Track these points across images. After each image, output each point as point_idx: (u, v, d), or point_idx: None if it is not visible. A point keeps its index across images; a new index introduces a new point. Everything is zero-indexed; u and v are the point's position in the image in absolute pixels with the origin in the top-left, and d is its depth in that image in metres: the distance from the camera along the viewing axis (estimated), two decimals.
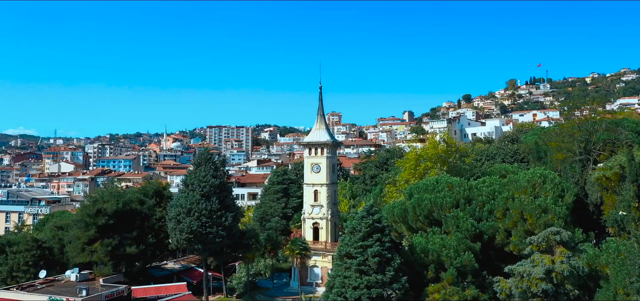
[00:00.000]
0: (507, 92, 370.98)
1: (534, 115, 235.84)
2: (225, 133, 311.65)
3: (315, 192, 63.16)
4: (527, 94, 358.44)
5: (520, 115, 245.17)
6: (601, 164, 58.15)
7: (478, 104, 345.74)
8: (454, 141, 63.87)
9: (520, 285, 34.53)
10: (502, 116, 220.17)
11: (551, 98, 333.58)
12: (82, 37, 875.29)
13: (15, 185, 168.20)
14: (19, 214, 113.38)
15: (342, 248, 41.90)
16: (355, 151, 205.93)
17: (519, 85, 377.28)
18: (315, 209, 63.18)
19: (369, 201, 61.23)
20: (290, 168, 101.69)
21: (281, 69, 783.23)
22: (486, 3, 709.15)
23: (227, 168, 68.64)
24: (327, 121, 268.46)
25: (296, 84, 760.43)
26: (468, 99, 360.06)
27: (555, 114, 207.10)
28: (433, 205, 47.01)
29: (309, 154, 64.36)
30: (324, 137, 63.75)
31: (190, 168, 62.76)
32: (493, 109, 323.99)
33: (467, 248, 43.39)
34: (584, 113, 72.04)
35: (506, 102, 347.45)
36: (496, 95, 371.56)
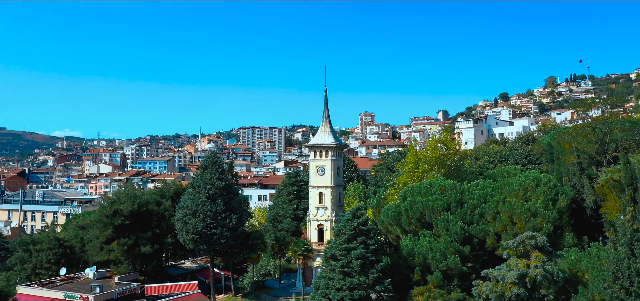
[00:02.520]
0: (545, 90, 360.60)
1: (572, 113, 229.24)
2: (258, 134, 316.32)
3: (320, 194, 64.18)
4: (567, 92, 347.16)
5: (557, 113, 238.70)
6: (610, 167, 56.88)
7: (515, 102, 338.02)
8: (452, 144, 63.57)
9: (495, 289, 34.59)
10: (531, 116, 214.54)
11: (592, 96, 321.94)
12: (126, 37, 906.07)
13: (57, 185, 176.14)
14: (54, 214, 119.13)
15: (328, 250, 42.90)
16: (383, 152, 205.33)
17: (558, 82, 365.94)
18: (320, 211, 64.20)
19: (372, 202, 61.87)
20: (302, 169, 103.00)
21: (317, 69, 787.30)
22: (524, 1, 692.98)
23: (235, 169, 70.69)
24: (360, 121, 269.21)
25: (334, 85, 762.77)
26: (505, 97, 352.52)
27: (596, 113, 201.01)
28: (425, 208, 47.25)
29: (314, 156, 65.47)
30: (329, 140, 64.71)
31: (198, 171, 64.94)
32: (531, 108, 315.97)
33: (456, 251, 43.54)
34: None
35: (545, 101, 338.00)
36: (534, 93, 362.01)
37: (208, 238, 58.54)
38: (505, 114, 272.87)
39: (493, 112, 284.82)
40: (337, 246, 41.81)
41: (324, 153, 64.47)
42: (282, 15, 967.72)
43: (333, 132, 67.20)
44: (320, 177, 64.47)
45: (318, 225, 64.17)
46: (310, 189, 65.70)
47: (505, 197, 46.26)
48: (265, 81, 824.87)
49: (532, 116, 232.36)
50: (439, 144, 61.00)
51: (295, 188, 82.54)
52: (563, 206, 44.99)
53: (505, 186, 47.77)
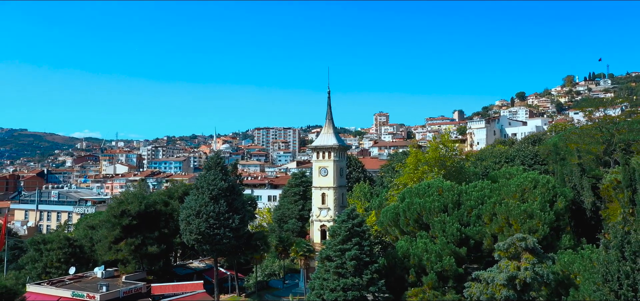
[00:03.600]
0: (564, 89, 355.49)
1: (589, 113, 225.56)
2: (272, 135, 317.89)
3: (323, 195, 64.54)
4: (586, 91, 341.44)
5: (575, 113, 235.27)
6: (615, 168, 56.22)
7: (532, 102, 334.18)
8: (452, 145, 63.38)
9: (485, 290, 34.61)
10: (544, 116, 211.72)
11: (612, 95, 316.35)
12: (146, 36, 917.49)
13: (72, 186, 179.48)
14: (68, 213, 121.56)
15: (323, 251, 43.27)
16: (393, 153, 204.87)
17: (577, 81, 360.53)
18: (322, 212, 64.56)
19: (374, 204, 62.07)
20: (309, 171, 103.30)
21: (333, 69, 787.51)
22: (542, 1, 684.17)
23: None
24: (375, 121, 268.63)
25: (348, 85, 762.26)
26: (522, 97, 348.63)
27: (616, 112, 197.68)
28: (422, 209, 47.36)
29: (317, 158, 65.82)
30: (332, 141, 64.99)
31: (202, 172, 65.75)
32: (548, 107, 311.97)
33: (452, 253, 43.58)
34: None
35: (563, 100, 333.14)
36: (552, 92, 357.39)
37: (211, 239, 59.21)
38: (522, 113, 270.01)
39: (510, 111, 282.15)
40: (331, 247, 42.18)
41: (326, 154, 64.81)
42: (299, 16, 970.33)
43: (336, 133, 67.51)
44: (323, 178, 64.84)
45: (321, 226, 64.55)
46: (313, 190, 66.14)
47: (503, 199, 46.15)
48: (282, 81, 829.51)
49: (546, 115, 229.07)
50: (440, 145, 60.87)
51: (301, 189, 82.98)
52: (561, 208, 44.70)
53: (502, 187, 47.65)
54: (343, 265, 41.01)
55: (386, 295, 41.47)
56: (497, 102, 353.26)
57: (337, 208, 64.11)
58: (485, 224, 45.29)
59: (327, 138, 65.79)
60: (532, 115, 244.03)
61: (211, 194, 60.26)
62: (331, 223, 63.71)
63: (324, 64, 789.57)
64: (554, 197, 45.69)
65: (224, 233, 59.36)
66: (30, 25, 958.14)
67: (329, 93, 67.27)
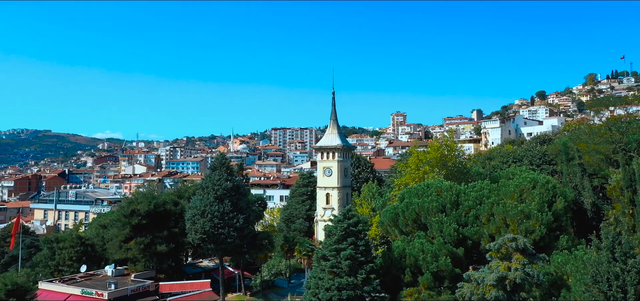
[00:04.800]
0: (585, 87, 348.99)
1: (611, 111, 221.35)
2: (289, 135, 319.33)
3: (327, 195, 65.02)
4: (608, 89, 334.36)
5: (595, 112, 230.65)
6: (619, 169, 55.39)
7: (553, 100, 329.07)
8: (454, 144, 63.12)
9: (476, 291, 34.58)
10: (560, 115, 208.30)
11: (635, 93, 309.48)
12: (166, 35, 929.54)
13: (90, 186, 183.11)
14: (85, 213, 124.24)
15: (318, 251, 43.68)
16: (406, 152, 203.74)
17: (599, 79, 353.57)
18: (327, 212, 65.03)
19: (378, 204, 62.19)
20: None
21: (351, 69, 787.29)
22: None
23: (245, 171, 72.16)
24: (392, 121, 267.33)
25: (366, 84, 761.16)
26: (542, 96, 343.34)
27: (632, 110, 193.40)
28: (420, 209, 47.38)
29: (321, 158, 66.32)
30: (335, 141, 65.42)
31: (207, 172, 66.70)
32: (569, 106, 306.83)
33: (449, 253, 43.57)
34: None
35: (584, 98, 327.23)
36: (573, 91, 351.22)
37: (215, 238, 60.19)
38: (542, 112, 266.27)
39: (529, 110, 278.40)
40: (327, 246, 42.55)
41: (330, 154, 65.31)
42: (318, 16, 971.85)
43: (340, 133, 67.96)
44: (327, 178, 65.32)
45: (325, 226, 64.81)
46: (317, 190, 66.70)
47: (501, 199, 45.94)
48: (302, 81, 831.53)
49: (562, 115, 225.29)
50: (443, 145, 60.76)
51: (308, 189, 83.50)
52: (560, 208, 44.28)
53: (501, 187, 47.41)
54: (338, 265, 41.34)
55: (381, 294, 41.64)
56: (517, 101, 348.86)
57: (342, 208, 64.34)
58: (483, 225, 45.15)
59: (331, 139, 66.27)
60: (552, 114, 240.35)
61: (216, 194, 61.24)
62: None
63: (343, 64, 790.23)
64: (553, 197, 45.28)
65: (229, 232, 60.27)
66: (54, 25, 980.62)
67: (333, 94, 67.92)
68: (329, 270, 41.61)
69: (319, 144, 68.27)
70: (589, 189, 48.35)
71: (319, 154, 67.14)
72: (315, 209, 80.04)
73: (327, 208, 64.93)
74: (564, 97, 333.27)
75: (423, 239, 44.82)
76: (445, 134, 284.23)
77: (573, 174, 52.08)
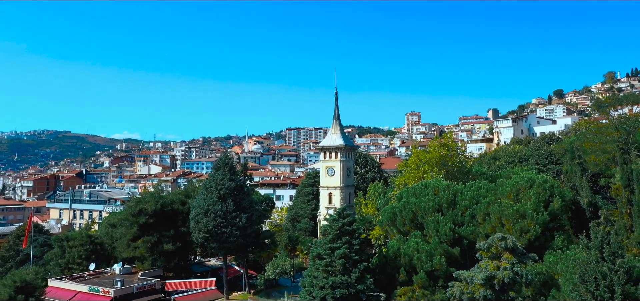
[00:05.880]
0: (604, 86, 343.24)
1: (630, 110, 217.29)
2: (303, 135, 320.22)
3: (330, 195, 65.38)
4: (628, 87, 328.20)
5: (613, 111, 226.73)
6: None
7: (571, 99, 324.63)
8: (454, 144, 62.92)
9: (465, 290, 34.66)
10: (574, 114, 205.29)
11: None
12: (186, 35, 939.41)
13: (104, 186, 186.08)
14: (99, 212, 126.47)
15: (313, 249, 44.11)
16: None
17: (618, 78, 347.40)
18: (329, 211, 65.24)
19: (380, 203, 62.45)
20: None
21: (367, 70, 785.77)
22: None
23: (250, 171, 72.86)
24: (406, 121, 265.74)
25: (384, 84, 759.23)
26: (560, 94, 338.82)
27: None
28: (417, 209, 47.53)
29: (324, 158, 66.68)
30: (338, 141, 65.74)
31: (211, 172, 67.48)
32: (588, 105, 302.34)
33: (444, 252, 43.65)
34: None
35: (603, 97, 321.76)
36: (592, 89, 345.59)
37: (218, 237, 60.97)
38: (559, 111, 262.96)
39: (546, 110, 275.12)
40: (322, 245, 43.00)
41: (333, 154, 65.63)
42: (332, 17, 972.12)
43: (343, 133, 68.24)
44: (330, 178, 65.68)
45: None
46: (320, 190, 67.10)
47: (498, 198, 45.86)
48: (316, 81, 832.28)
49: (575, 113, 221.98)
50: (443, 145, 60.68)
51: (314, 189, 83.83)
52: (557, 208, 44.06)
53: (499, 187, 47.31)
54: (332, 263, 41.77)
55: (375, 293, 41.94)
56: (534, 101, 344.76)
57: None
58: (479, 224, 45.13)
59: (334, 138, 66.61)
60: (569, 113, 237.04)
61: (219, 194, 62.03)
62: None
63: (359, 64, 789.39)
64: (550, 197, 45.07)
65: (231, 231, 60.98)
66: (75, 25, 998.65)
67: (336, 94, 68.13)
68: (323, 268, 42.07)
69: (322, 144, 68.69)
70: (586, 189, 48.02)
71: (322, 154, 67.52)
72: None
73: (329, 208, 65.21)
74: (582, 96, 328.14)
75: (418, 239, 44.97)
76: (461, 133, 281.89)
77: (573, 173, 51.64)
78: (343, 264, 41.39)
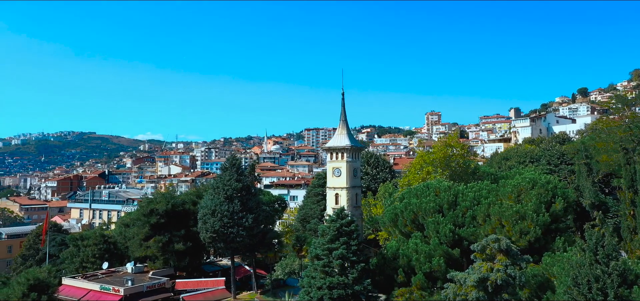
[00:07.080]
0: (630, 83, 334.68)
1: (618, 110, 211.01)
2: (322, 135, 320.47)
3: (336, 195, 65.35)
4: None
5: (638, 109, 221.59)
6: None
7: (595, 97, 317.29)
8: (459, 144, 62.24)
9: (458, 292, 34.47)
10: (595, 112, 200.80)
11: None
12: (210, 34, 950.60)
13: (124, 186, 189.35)
14: (117, 212, 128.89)
15: (312, 250, 44.35)
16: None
17: None
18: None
19: (387, 203, 62.27)
20: None
21: (388, 69, 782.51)
22: None
23: (256, 172, 73.42)
24: (426, 120, 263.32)
25: (402, 85, 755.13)
26: (584, 93, 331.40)
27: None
28: (418, 210, 47.39)
29: (331, 158, 66.75)
30: (344, 142, 65.71)
31: (219, 173, 68.22)
32: (613, 103, 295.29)
33: (444, 254, 43.46)
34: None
35: (629, 95, 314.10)
36: (618, 87, 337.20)
37: (225, 237, 61.66)
38: (583, 110, 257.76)
39: (569, 108, 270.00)
40: (320, 246, 43.22)
41: (340, 154, 65.61)
42: (350, 17, 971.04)
43: (350, 134, 68.18)
44: (337, 179, 65.69)
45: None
46: (327, 190, 67.15)
47: (499, 199, 45.41)
48: (338, 82, 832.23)
49: (598, 112, 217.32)
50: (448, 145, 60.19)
51: (323, 190, 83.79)
52: (559, 209, 43.41)
53: (500, 188, 46.83)
54: (330, 264, 41.96)
55: (373, 294, 42.00)
56: (557, 99, 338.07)
57: (350, 209, 64.65)
58: (480, 226, 44.77)
59: (340, 139, 66.62)
60: (593, 112, 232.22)
61: (226, 194, 62.74)
62: None
63: (380, 64, 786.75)
64: (552, 198, 44.41)
65: (238, 231, 61.62)
66: (104, 24, 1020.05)
67: (342, 95, 68.12)
68: (321, 269, 42.31)
69: (328, 144, 68.72)
70: (590, 190, 47.17)
71: (329, 155, 67.61)
72: None
73: (336, 208, 65.30)
74: (607, 94, 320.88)
75: (418, 240, 44.86)
76: (482, 133, 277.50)
77: (580, 174, 50.81)
78: (340, 265, 41.55)
